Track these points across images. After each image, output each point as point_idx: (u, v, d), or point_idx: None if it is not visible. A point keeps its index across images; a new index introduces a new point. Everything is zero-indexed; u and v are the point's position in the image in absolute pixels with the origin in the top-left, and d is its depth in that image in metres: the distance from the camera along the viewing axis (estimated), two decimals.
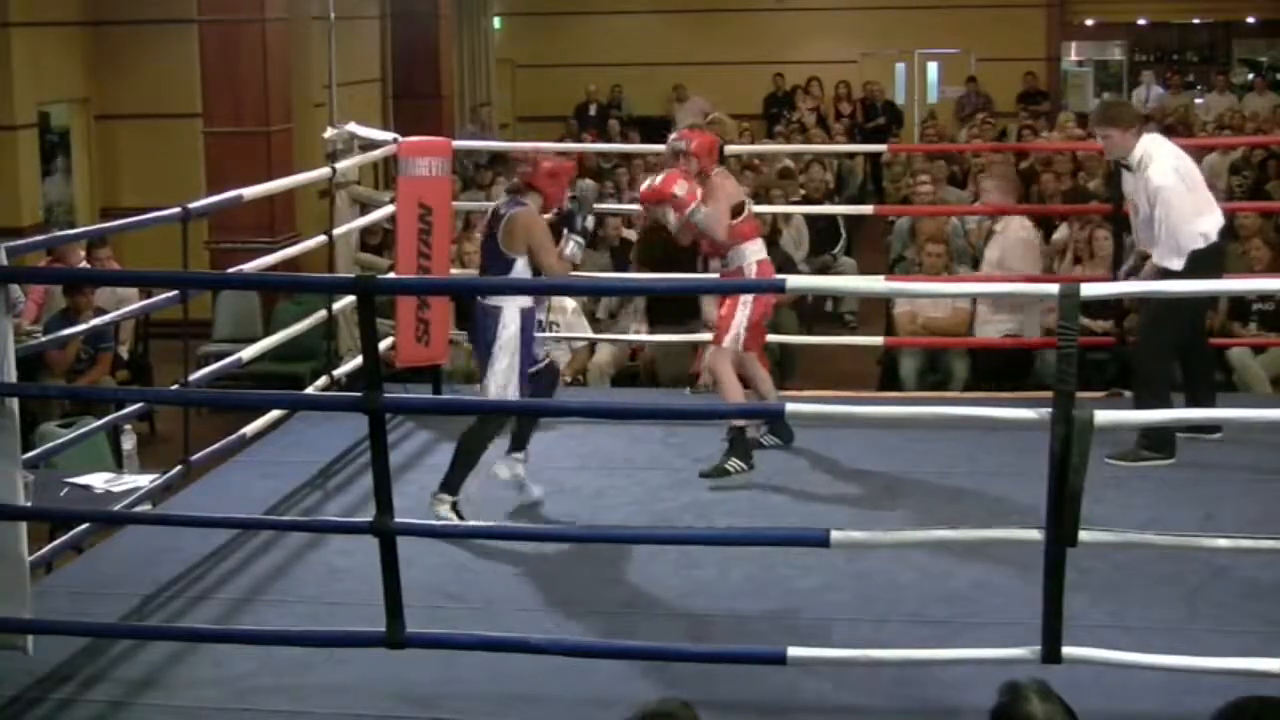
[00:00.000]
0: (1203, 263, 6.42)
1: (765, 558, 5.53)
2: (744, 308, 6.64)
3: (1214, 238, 6.55)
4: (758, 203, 11.49)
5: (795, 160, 13.07)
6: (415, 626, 4.52)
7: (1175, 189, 6.52)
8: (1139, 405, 6.47)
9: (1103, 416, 4.18)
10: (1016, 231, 9.02)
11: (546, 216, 6.18)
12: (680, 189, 6.58)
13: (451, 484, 6.00)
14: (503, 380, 5.99)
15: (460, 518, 5.95)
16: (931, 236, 9.30)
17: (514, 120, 20.39)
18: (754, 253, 6.74)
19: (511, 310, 5.96)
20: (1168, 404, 6.53)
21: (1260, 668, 4.35)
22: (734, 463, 6.56)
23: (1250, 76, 21.06)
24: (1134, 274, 6.75)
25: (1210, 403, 6.83)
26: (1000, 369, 8.70)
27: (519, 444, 6.24)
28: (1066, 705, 2.73)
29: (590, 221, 6.41)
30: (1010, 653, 4.29)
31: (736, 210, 6.71)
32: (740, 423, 6.62)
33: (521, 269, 5.98)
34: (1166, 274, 6.43)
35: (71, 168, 13.25)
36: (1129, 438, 6.59)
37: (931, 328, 8.83)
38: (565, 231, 6.28)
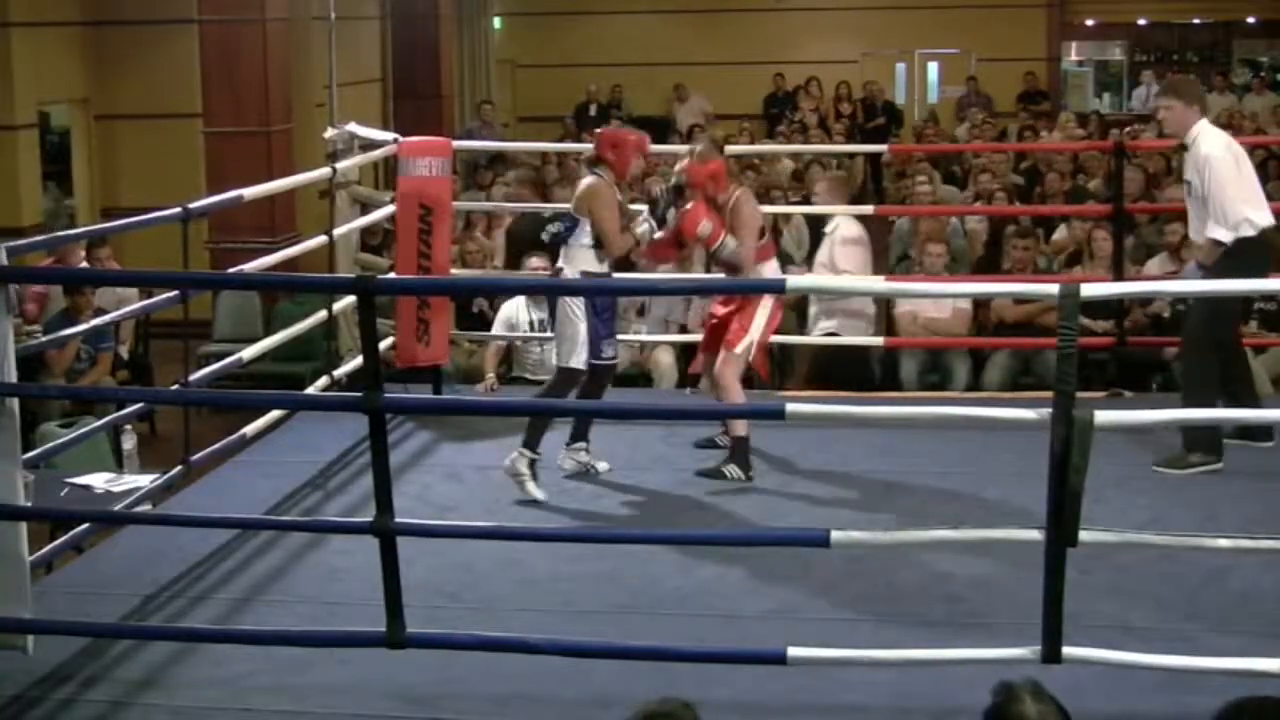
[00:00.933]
0: (1250, 254, 6.38)
1: (765, 558, 5.53)
2: (762, 316, 6.61)
3: (1262, 226, 6.47)
4: (760, 203, 11.50)
5: (794, 159, 13.08)
6: (415, 626, 4.52)
7: (1224, 160, 6.50)
8: (1188, 406, 6.41)
9: (1103, 417, 4.18)
10: (844, 231, 8.93)
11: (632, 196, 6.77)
12: (704, 230, 6.57)
13: (531, 441, 6.36)
14: (567, 347, 6.47)
15: (534, 477, 6.34)
16: (931, 236, 9.29)
17: (514, 120, 20.38)
18: (771, 272, 6.80)
19: (571, 274, 6.46)
20: (1214, 405, 6.47)
21: (1260, 668, 4.35)
22: (732, 469, 6.55)
23: (1250, 76, 21.04)
24: (1202, 266, 6.57)
25: (1254, 403, 6.76)
26: (829, 371, 8.67)
27: (579, 435, 6.68)
28: (1060, 705, 2.74)
29: (672, 213, 6.72)
30: (1010, 653, 4.29)
31: (759, 233, 6.73)
32: (742, 432, 6.58)
33: (588, 230, 6.40)
34: (1215, 245, 6.40)
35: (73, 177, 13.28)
36: (1173, 442, 6.54)
37: (932, 328, 8.83)
38: (646, 212, 6.68)
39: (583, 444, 6.69)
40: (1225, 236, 6.40)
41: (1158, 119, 7.11)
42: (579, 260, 6.43)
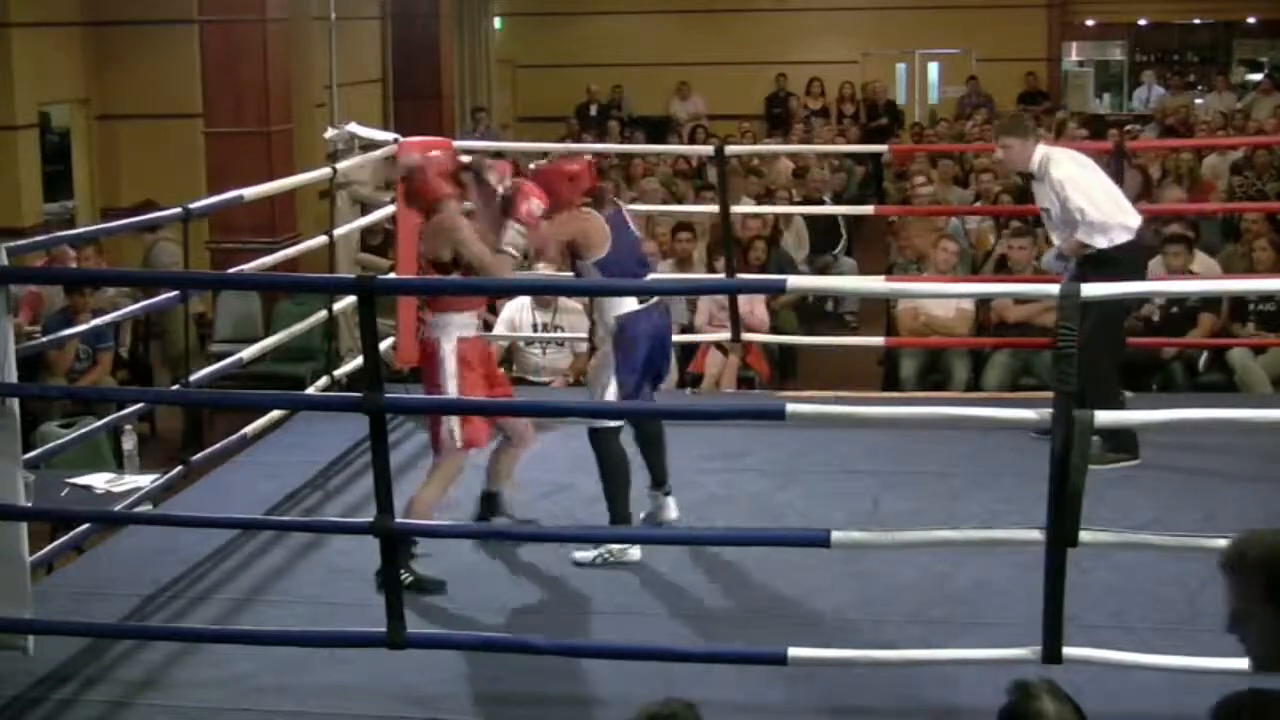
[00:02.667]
0: (1128, 256, 6.48)
1: (765, 558, 5.53)
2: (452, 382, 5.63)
3: (1134, 228, 6.57)
4: (761, 203, 11.53)
5: (794, 159, 13.10)
6: (415, 627, 4.52)
7: (1080, 175, 6.61)
8: (1093, 408, 6.45)
9: (1102, 417, 4.19)
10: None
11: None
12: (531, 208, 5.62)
13: (657, 477, 5.92)
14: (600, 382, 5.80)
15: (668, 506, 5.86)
16: (943, 234, 9.31)
17: (514, 121, 20.37)
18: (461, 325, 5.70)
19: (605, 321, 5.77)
20: (1121, 405, 6.56)
21: None
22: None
23: (1254, 77, 21.03)
24: (1063, 257, 6.75)
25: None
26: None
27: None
28: (1076, 705, 2.73)
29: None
30: (1011, 653, 4.29)
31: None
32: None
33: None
34: (1093, 256, 6.49)
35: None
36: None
37: (934, 326, 8.83)
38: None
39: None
40: (1101, 242, 6.50)
41: (997, 160, 7.23)
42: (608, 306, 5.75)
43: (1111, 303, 6.36)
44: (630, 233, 5.91)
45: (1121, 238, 6.51)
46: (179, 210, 5.81)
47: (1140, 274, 6.50)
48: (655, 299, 5.86)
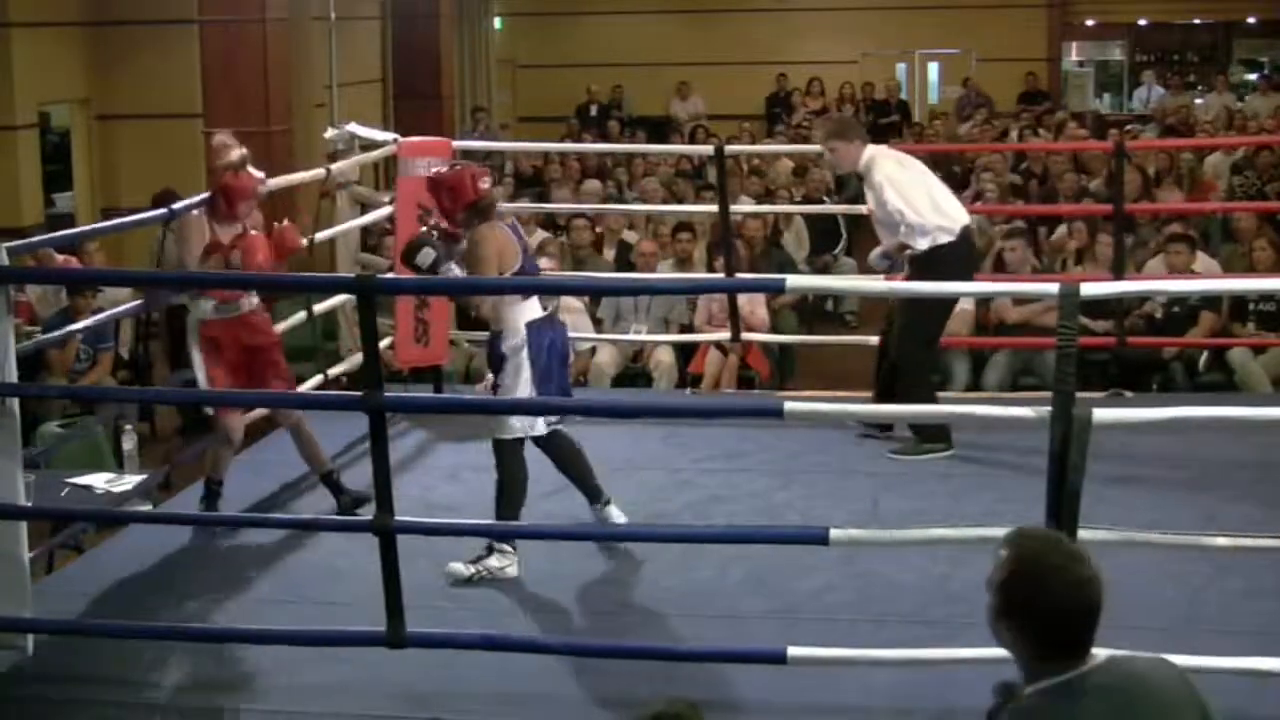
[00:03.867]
0: (953, 255, 6.53)
1: (765, 557, 5.53)
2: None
3: (957, 229, 6.61)
4: (761, 203, 11.53)
5: (793, 159, 13.09)
6: (415, 626, 4.52)
7: (900, 177, 6.68)
8: (906, 401, 6.50)
9: (1101, 416, 4.18)
10: None
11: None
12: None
13: (590, 494, 5.83)
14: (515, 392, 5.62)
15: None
16: None
17: (515, 121, 20.38)
18: None
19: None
20: (934, 398, 6.73)
21: (1261, 667, 4.35)
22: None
23: (1253, 76, 21.04)
24: (888, 256, 6.85)
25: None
26: None
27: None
28: None
29: (427, 256, 5.60)
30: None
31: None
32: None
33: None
34: (918, 257, 6.57)
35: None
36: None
37: None
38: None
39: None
40: (924, 245, 6.56)
41: (826, 161, 7.29)
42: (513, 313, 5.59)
43: (925, 301, 6.48)
44: (523, 240, 5.80)
45: (943, 239, 6.57)
46: (163, 211, 5.80)
47: (966, 275, 6.50)
48: (552, 308, 5.73)
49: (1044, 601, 2.64)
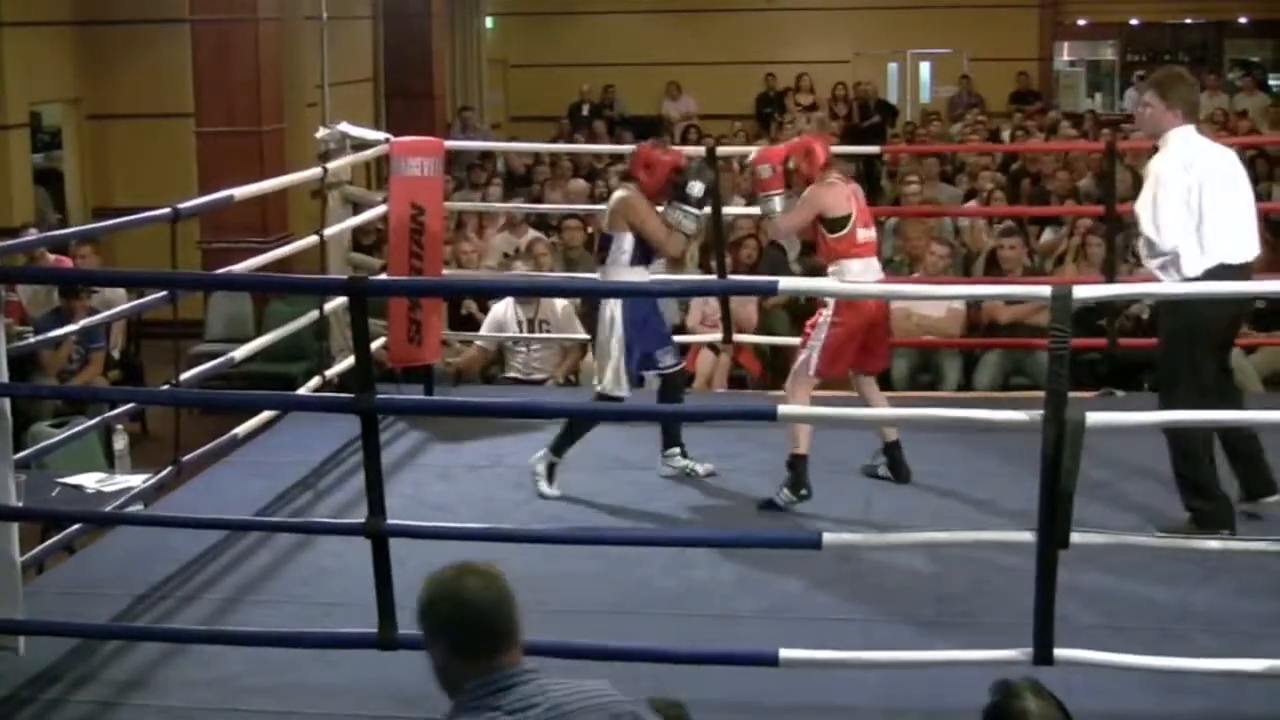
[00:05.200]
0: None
1: (758, 559, 5.53)
2: (821, 332, 6.22)
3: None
4: (752, 202, 11.47)
5: None
6: (407, 627, 4.51)
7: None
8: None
9: (1094, 418, 4.19)
10: None
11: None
12: (764, 171, 6.41)
13: (559, 446, 6.41)
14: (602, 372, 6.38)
15: (549, 478, 6.39)
16: (934, 237, 9.32)
17: (506, 120, 20.38)
18: (856, 271, 6.29)
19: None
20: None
21: (1251, 668, 4.36)
22: (785, 495, 6.18)
23: (1241, 75, 21.06)
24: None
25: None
26: None
27: (673, 441, 6.63)
28: (1060, 701, 2.73)
29: (697, 188, 6.40)
30: (1002, 654, 4.29)
31: (836, 224, 6.27)
32: (802, 450, 6.21)
33: (626, 246, 6.33)
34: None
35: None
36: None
37: (926, 326, 8.84)
38: (670, 202, 6.42)
39: (676, 449, 6.62)
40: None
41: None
42: (618, 277, 6.36)
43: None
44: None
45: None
46: (167, 210, 5.79)
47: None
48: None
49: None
